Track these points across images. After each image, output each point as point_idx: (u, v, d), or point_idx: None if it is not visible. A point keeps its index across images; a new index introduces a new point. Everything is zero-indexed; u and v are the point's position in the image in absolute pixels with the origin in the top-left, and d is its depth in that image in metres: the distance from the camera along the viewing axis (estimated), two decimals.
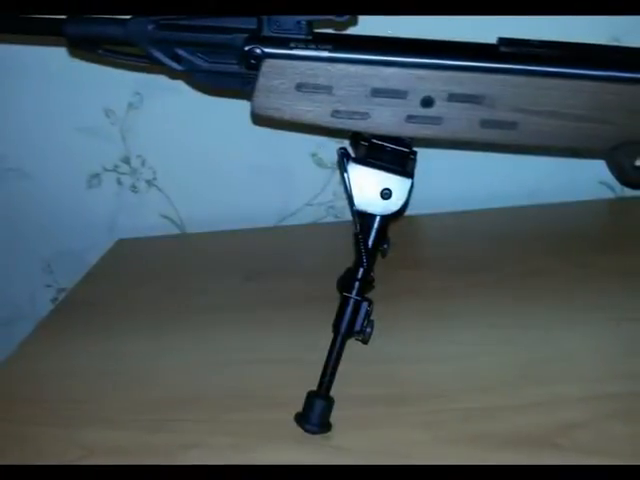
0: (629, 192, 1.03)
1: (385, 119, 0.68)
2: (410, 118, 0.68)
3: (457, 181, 1.09)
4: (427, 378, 0.70)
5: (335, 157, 0.73)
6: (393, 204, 0.68)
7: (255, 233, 1.11)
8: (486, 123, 0.68)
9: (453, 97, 0.67)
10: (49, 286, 1.25)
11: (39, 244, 1.21)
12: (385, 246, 0.85)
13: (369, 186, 0.68)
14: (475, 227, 1.03)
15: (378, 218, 0.69)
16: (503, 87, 0.67)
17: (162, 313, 0.91)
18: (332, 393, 0.65)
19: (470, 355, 0.73)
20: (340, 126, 0.70)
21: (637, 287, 0.81)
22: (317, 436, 0.64)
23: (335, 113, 0.68)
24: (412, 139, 0.71)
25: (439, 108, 0.68)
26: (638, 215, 1.00)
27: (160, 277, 1.01)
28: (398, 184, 0.68)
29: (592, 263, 0.88)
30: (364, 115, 0.68)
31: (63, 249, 1.21)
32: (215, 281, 0.97)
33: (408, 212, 0.99)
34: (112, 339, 0.85)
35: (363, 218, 0.69)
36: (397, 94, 0.67)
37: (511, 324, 0.78)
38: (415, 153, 0.72)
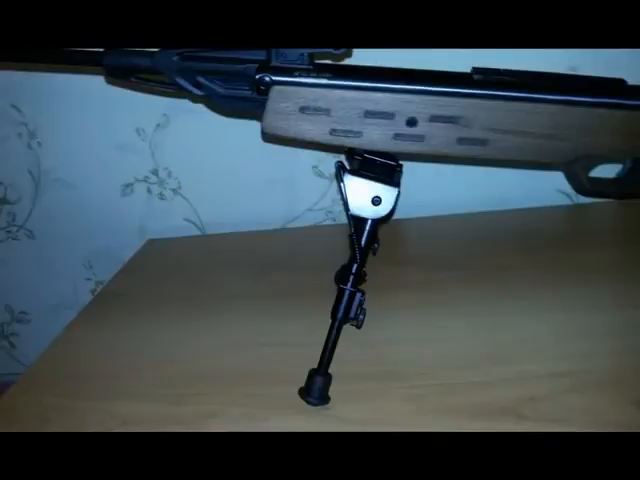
0: (583, 199, 1.02)
1: (375, 137, 0.67)
2: (397, 136, 0.67)
3: (436, 189, 1.07)
4: (412, 358, 0.70)
5: (333, 169, 0.71)
6: (382, 209, 0.67)
7: (264, 234, 1.10)
8: (462, 140, 0.67)
9: (434, 118, 0.66)
10: (89, 279, 1.24)
11: (80, 243, 1.20)
12: (376, 245, 0.83)
13: (362, 194, 0.67)
14: (452, 229, 1.02)
15: (369, 221, 0.67)
16: (476, 109, 0.66)
17: (185, 302, 0.90)
18: (330, 371, 0.65)
19: (448, 338, 0.72)
20: (337, 143, 0.68)
21: (590, 280, 0.80)
22: (318, 407, 0.64)
23: (333, 132, 0.67)
24: (398, 154, 0.69)
25: (422, 127, 0.66)
26: (591, 219, 1.00)
27: (184, 272, 1.00)
28: (387, 192, 0.67)
29: (552, 260, 0.87)
30: (358, 134, 0.67)
31: (101, 248, 1.20)
32: (230, 275, 0.96)
33: (395, 216, 0.97)
34: (143, 325, 0.85)
35: (357, 221, 0.68)
36: (386, 116, 0.66)
37: (484, 311, 0.77)
38: (401, 166, 0.71)
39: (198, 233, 1.18)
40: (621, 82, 0.68)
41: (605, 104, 0.67)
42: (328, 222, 1.13)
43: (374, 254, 0.82)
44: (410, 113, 0.66)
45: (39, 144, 1.12)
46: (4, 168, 1.15)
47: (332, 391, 0.64)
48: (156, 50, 0.68)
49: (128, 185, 1.14)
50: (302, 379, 0.66)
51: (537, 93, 0.66)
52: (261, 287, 0.92)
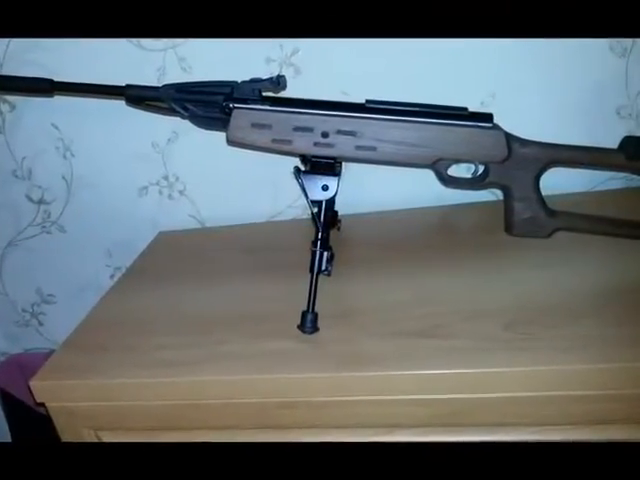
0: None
1: (301, 144, 1.02)
2: (315, 144, 1.02)
3: (388, 189, 1.35)
4: (367, 301, 1.00)
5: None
6: (330, 193, 0.98)
7: (253, 226, 1.39)
8: (359, 147, 1.02)
9: (339, 132, 1.01)
10: (108, 266, 1.54)
11: (103, 236, 1.50)
12: (339, 224, 1.20)
13: (315, 185, 0.98)
14: (398, 221, 1.31)
15: (323, 202, 0.98)
16: (366, 126, 1.02)
17: (191, 275, 1.18)
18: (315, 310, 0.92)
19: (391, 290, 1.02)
20: (277, 148, 1.04)
21: (495, 254, 1.10)
22: (309, 335, 0.92)
23: (273, 140, 1.02)
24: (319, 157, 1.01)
25: (332, 138, 1.02)
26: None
27: (188, 255, 1.29)
28: (331, 181, 0.99)
29: (479, 242, 1.16)
30: (289, 142, 1.02)
31: (120, 240, 1.49)
32: (225, 256, 1.25)
33: (353, 211, 1.32)
34: (160, 291, 1.13)
35: (315, 204, 0.98)
36: (308, 130, 1.01)
37: (417, 273, 1.07)
38: (340, 162, 1.04)
39: (199, 226, 1.45)
40: (465, 109, 1.04)
41: (452, 124, 1.03)
42: (305, 216, 1.39)
43: (338, 230, 1.23)
44: (323, 128, 1.01)
45: (72, 155, 1.40)
46: (43, 175, 1.43)
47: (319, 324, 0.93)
48: (159, 86, 1.07)
49: (143, 188, 1.43)
50: (286, 319, 0.94)
51: (406, 116, 1.03)
52: (250, 263, 1.20)
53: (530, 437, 0.86)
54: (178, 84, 1.07)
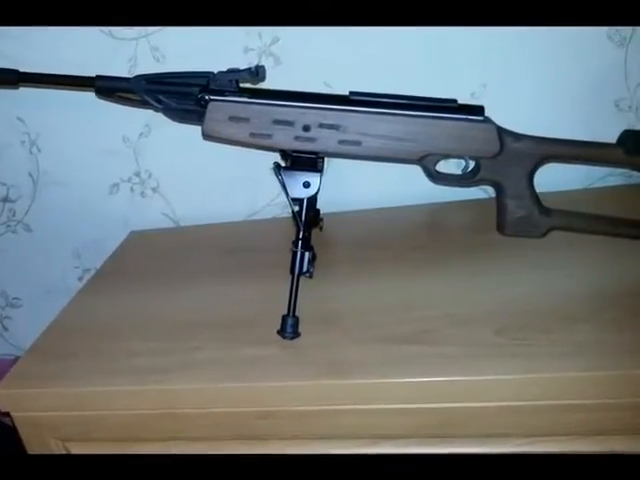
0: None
1: (281, 138, 1.02)
2: (296, 138, 1.01)
3: (377, 186, 1.35)
4: (351, 303, 1.00)
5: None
6: (312, 190, 0.98)
7: (230, 225, 1.39)
8: (342, 142, 1.02)
9: (321, 125, 1.01)
10: (77, 267, 1.53)
11: (71, 236, 1.49)
12: (321, 223, 1.18)
13: (296, 182, 0.99)
14: (385, 220, 1.31)
15: (305, 200, 0.98)
16: (350, 120, 1.02)
17: (166, 277, 1.17)
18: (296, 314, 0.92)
19: (376, 292, 1.03)
20: (255, 143, 1.04)
21: (486, 254, 1.10)
22: (289, 341, 0.92)
23: (251, 135, 1.02)
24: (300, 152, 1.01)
25: (314, 132, 1.01)
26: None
27: (162, 256, 1.29)
28: (313, 177, 0.99)
29: (470, 242, 1.16)
30: (269, 136, 1.02)
31: (89, 239, 1.49)
32: (201, 256, 1.25)
33: (336, 210, 1.30)
34: (132, 294, 1.13)
35: (296, 201, 0.99)
36: (288, 123, 1.01)
37: (403, 274, 1.07)
38: (322, 158, 1.04)
39: (173, 225, 1.45)
40: (454, 101, 1.04)
41: (441, 117, 1.04)
42: (284, 215, 1.39)
43: (320, 230, 1.20)
44: (305, 121, 1.01)
45: (39, 150, 1.40)
46: (8, 171, 1.43)
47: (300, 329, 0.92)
48: (131, 77, 1.06)
49: (114, 185, 1.43)
50: (265, 323, 0.94)
51: (393, 108, 1.02)
52: (227, 264, 1.19)
53: (523, 448, 0.86)
54: (151, 75, 1.07)
